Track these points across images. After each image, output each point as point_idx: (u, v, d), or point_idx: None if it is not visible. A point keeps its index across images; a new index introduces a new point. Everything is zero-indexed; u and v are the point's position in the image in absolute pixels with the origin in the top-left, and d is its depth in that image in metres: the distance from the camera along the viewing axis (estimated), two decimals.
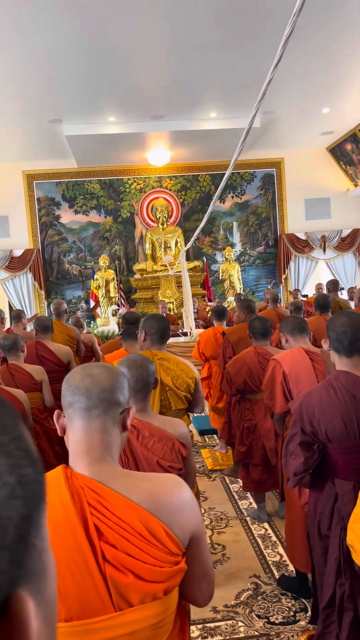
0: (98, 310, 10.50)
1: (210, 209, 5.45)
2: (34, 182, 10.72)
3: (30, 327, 7.12)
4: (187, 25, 5.86)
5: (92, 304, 10.56)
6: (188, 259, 9.88)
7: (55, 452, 3.42)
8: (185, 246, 9.23)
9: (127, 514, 0.94)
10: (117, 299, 10.52)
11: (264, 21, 5.83)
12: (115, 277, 10.53)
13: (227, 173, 4.19)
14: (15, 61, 6.38)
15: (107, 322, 10.21)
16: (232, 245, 11.20)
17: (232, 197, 11.20)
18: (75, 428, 1.07)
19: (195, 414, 2.73)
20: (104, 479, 0.99)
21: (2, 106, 7.69)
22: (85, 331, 6.73)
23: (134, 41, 6.13)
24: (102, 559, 0.92)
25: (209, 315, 8.71)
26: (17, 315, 5.39)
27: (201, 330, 7.49)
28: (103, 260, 10.49)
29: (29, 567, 0.29)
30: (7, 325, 5.15)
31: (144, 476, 1.06)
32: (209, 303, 9.93)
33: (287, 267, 11.20)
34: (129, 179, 10.99)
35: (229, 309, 6.99)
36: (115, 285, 10.50)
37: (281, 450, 2.94)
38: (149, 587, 0.93)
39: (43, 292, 10.76)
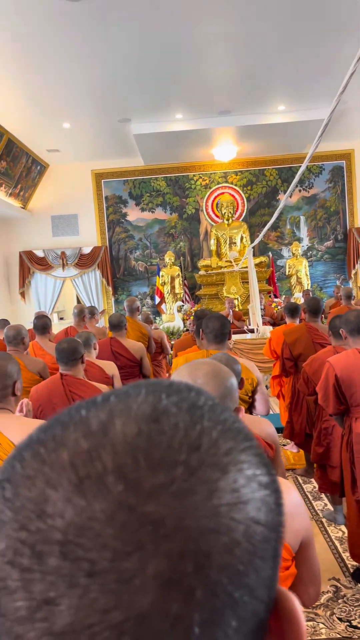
0: (163, 306, 10.64)
1: (281, 205, 5.37)
2: (102, 180, 11.00)
3: (100, 324, 7.34)
4: (255, 18, 5.79)
5: (157, 300, 10.71)
6: (254, 254, 9.78)
7: None
8: (252, 242, 9.15)
9: None
10: (181, 295, 10.61)
11: (333, 9, 5.66)
12: (180, 274, 10.63)
13: (302, 167, 4.11)
14: (87, 65, 6.57)
15: (172, 318, 10.32)
16: (299, 240, 10.98)
17: (300, 190, 10.97)
18: None
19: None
20: None
21: (74, 109, 7.95)
22: (153, 327, 6.85)
23: (201, 37, 6.13)
24: None
25: (276, 312, 8.60)
26: (90, 312, 5.59)
27: (269, 327, 7.42)
28: (169, 257, 10.61)
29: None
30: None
31: None
32: (275, 299, 9.80)
33: (357, 262, 10.83)
34: (194, 175, 11.03)
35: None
36: (180, 282, 10.59)
37: (346, 447, 2.90)
38: None
39: (110, 289, 11.04)
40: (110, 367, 3.65)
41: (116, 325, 4.20)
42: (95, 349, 3.71)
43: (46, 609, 0.25)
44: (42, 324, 4.19)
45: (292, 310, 4.72)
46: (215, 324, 2.69)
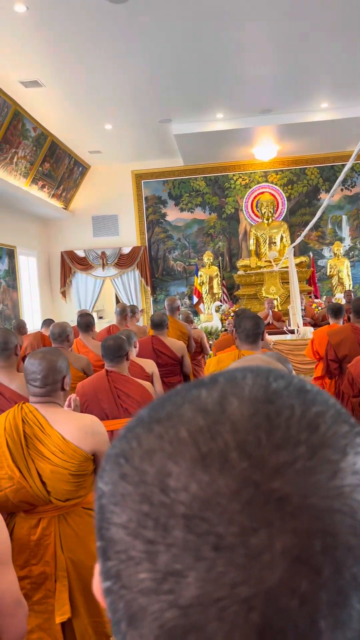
0: (201, 306, 10.63)
1: (324, 205, 5.29)
2: (142, 181, 11.09)
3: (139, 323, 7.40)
4: (297, 14, 5.71)
5: (195, 300, 10.72)
6: (294, 254, 9.66)
7: None
8: (293, 242, 9.03)
9: None
10: (220, 295, 10.58)
11: None
12: (218, 274, 10.59)
13: (347, 166, 4.03)
14: (128, 66, 6.64)
15: (210, 318, 10.29)
16: (341, 240, 10.76)
17: (342, 189, 10.75)
18: None
19: None
20: None
21: (116, 110, 8.05)
22: (192, 327, 6.85)
23: (243, 35, 6.09)
24: None
25: (317, 312, 8.46)
26: (132, 311, 5.65)
27: (309, 328, 7.30)
28: (207, 257, 10.59)
29: None
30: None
31: None
32: (315, 300, 9.64)
33: None
34: (234, 175, 10.98)
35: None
36: (219, 282, 10.56)
37: None
38: None
39: (149, 289, 11.11)
40: (149, 366, 3.65)
41: (158, 324, 4.22)
42: (135, 347, 3.72)
43: (172, 580, 0.25)
44: (86, 322, 4.26)
45: (336, 310, 4.62)
46: (247, 323, 2.64)
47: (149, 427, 0.30)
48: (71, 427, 1.90)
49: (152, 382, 3.67)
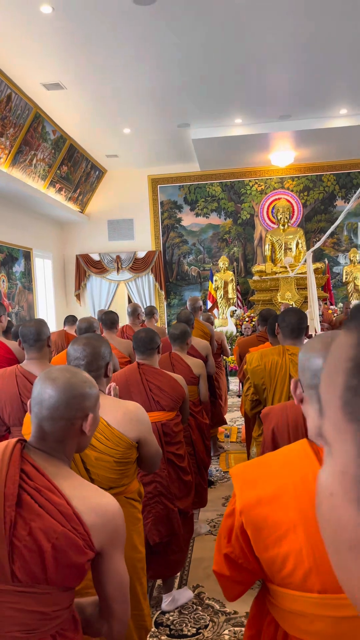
0: (215, 311, 10.61)
1: (344, 213, 5.23)
2: (158, 186, 11.12)
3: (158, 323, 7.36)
4: (316, 19, 5.72)
5: (210, 304, 10.69)
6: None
7: (205, 446, 3.48)
8: (310, 248, 8.99)
9: None
10: (234, 300, 10.55)
11: None
12: (234, 279, 10.57)
13: None
14: (149, 70, 6.67)
15: (225, 323, 10.27)
16: (357, 247, 10.72)
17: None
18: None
19: None
20: None
21: (135, 114, 8.09)
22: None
23: (263, 40, 6.10)
24: None
25: (334, 318, 8.40)
26: (149, 312, 5.63)
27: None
28: (222, 262, 10.58)
29: None
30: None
31: None
32: (331, 306, 9.59)
33: None
34: (250, 181, 10.99)
35: None
36: (234, 287, 10.54)
37: None
38: None
39: (163, 293, 11.11)
40: (198, 366, 3.49)
41: (185, 321, 4.19)
42: (188, 344, 3.56)
43: None
44: (111, 319, 4.24)
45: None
46: (292, 317, 2.62)
47: None
48: (115, 414, 1.88)
49: (198, 384, 3.53)
